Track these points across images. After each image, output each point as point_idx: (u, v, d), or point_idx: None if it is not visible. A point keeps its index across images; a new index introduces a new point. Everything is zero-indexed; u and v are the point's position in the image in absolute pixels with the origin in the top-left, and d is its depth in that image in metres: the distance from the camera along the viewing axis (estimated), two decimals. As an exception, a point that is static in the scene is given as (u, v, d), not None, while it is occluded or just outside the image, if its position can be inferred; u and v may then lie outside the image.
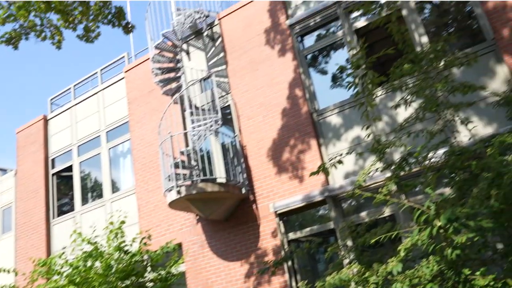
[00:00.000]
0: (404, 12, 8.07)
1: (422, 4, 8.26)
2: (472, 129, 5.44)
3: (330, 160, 4.86)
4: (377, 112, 7.89)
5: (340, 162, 4.78)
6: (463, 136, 6.35)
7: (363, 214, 7.69)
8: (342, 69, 4.23)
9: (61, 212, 12.46)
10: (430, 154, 4.87)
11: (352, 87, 4.46)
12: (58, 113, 13.27)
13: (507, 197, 3.60)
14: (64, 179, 12.97)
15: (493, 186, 3.66)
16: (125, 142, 11.52)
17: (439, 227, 3.32)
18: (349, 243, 6.43)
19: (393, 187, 4.59)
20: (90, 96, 12.65)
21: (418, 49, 7.70)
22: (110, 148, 11.76)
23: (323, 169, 4.63)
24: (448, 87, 4.80)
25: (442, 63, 4.74)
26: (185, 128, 10.05)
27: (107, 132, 11.91)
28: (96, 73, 12.87)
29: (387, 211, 7.31)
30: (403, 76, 4.79)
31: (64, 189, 13.05)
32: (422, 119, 5.18)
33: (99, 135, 12.05)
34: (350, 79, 4.45)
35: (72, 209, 12.14)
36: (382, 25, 5.33)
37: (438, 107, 4.85)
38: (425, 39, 7.78)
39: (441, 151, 4.93)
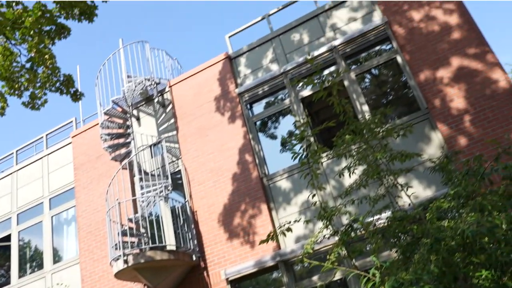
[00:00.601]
0: (346, 83, 8.62)
1: (363, 75, 8.87)
2: (412, 194, 5.73)
3: (279, 228, 4.94)
4: (323, 176, 8.17)
5: (289, 229, 4.86)
6: (405, 200, 6.66)
7: (315, 278, 7.71)
8: (285, 141, 4.42)
9: (-5, 286, 11.56)
10: (375, 218, 5.09)
11: (297, 158, 4.64)
12: (-2, 179, 12.68)
13: (446, 262, 3.79)
14: (0, 249, 12.16)
15: (432, 251, 3.84)
16: (69, 209, 11.10)
17: (385, 295, 3.42)
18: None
19: (342, 252, 4.71)
20: (34, 162, 12.24)
21: (360, 116, 8.19)
22: (53, 216, 11.26)
23: (272, 237, 4.69)
24: (387, 156, 5.11)
25: (380, 133, 5.06)
26: (134, 194, 9.88)
27: (50, 198, 11.46)
28: (41, 137, 12.55)
29: (338, 275, 7.40)
30: (346, 145, 5.06)
31: (0, 260, 12.21)
32: (366, 185, 5.43)
33: (41, 202, 11.55)
34: (295, 149, 4.63)
35: (8, 282, 11.31)
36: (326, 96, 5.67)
37: (380, 174, 5.12)
38: (366, 108, 8.29)
39: (385, 214, 5.16)
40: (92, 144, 11.00)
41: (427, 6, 8.39)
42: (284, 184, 8.62)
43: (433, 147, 7.62)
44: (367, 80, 9.23)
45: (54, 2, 8.73)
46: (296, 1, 9.88)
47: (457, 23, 8.02)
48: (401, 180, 7.12)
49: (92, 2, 8.83)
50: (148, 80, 9.98)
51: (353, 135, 5.03)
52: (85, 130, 11.31)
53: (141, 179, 9.07)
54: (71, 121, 12.15)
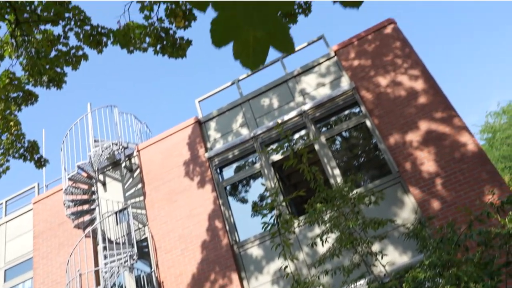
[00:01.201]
0: (316, 147, 8.57)
1: (333, 138, 8.87)
2: (387, 263, 5.51)
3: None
4: (296, 242, 7.87)
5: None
6: (380, 269, 6.40)
7: None
8: (256, 207, 4.20)
9: None
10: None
11: (268, 227, 4.42)
12: (-50, 249, 11.81)
13: None
14: None
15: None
16: (26, 281, 10.31)
17: None
18: None
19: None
20: (-9, 230, 11.52)
21: (331, 180, 8.08)
22: (8, 289, 10.44)
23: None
24: (360, 224, 4.93)
25: (352, 200, 4.92)
26: (97, 264, 9.28)
27: (5, 270, 10.66)
28: (0, 204, 11.91)
29: None
30: (318, 213, 4.88)
31: None
32: (339, 254, 5.19)
33: (-4, 274, 10.73)
34: (266, 219, 4.42)
35: None
36: (298, 159, 5.55)
37: (353, 243, 4.91)
38: (337, 172, 8.20)
39: (361, 283, 4.90)
40: (54, 211, 10.46)
41: (393, 72, 8.62)
42: (255, 251, 8.25)
43: (407, 211, 7.50)
44: (337, 143, 9.24)
45: (23, 70, 8.60)
46: (265, 67, 10.03)
47: (422, 88, 8.22)
48: (375, 247, 6.89)
49: (62, 69, 8.72)
50: (116, 144, 9.73)
51: (325, 203, 4.88)
52: (48, 196, 10.80)
53: (105, 248, 8.57)
54: (33, 187, 11.63)
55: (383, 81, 8.61)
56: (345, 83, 9.03)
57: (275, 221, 4.73)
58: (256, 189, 9.27)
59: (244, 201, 9.34)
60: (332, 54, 9.42)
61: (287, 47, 1.02)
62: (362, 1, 1.03)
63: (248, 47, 1.02)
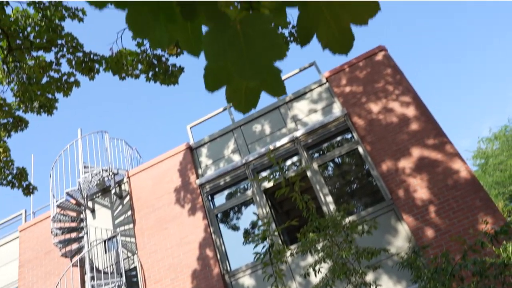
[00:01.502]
0: (309, 173, 8.52)
1: (325, 165, 8.83)
2: (381, 294, 5.40)
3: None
4: (289, 272, 7.73)
5: None
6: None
7: None
8: (248, 235, 4.11)
9: None
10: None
11: (260, 258, 4.32)
12: None
13: None
14: None
15: None
16: (11, 312, 10.00)
17: None
18: None
19: None
20: (-24, 258, 11.20)
21: (324, 208, 8.00)
22: (-9, 321, 10.09)
23: None
24: (353, 253, 4.85)
25: (345, 229, 4.85)
26: (84, 295, 9.02)
27: (-10, 301, 10.35)
28: (-14, 232, 11.65)
29: None
30: (310, 242, 4.80)
31: None
32: (332, 285, 5.09)
33: (-21, 306, 10.40)
34: (257, 249, 4.32)
35: None
36: (290, 187, 5.49)
37: (346, 273, 4.82)
38: (329, 199, 8.13)
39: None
40: (41, 239, 10.22)
41: (385, 99, 8.66)
42: (247, 281, 8.08)
43: (400, 239, 7.41)
44: (330, 169, 9.20)
45: (14, 96, 8.54)
46: (258, 93, 10.03)
47: (414, 115, 8.25)
48: (369, 277, 6.78)
49: (53, 95, 8.66)
50: (106, 170, 9.60)
51: (317, 232, 4.80)
52: (35, 224, 10.57)
53: (92, 278, 8.34)
54: (20, 214, 11.39)
55: (374, 107, 8.65)
56: (337, 109, 9.05)
57: (268, 251, 4.63)
58: (247, 216, 9.15)
59: (235, 228, 9.20)
60: (324, 80, 9.47)
61: (279, 92, 0.99)
62: (351, 48, 1.01)
63: (241, 93, 0.98)
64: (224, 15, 0.81)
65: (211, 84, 0.94)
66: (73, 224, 9.35)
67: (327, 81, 9.45)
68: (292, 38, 8.20)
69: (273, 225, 8.08)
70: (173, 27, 0.87)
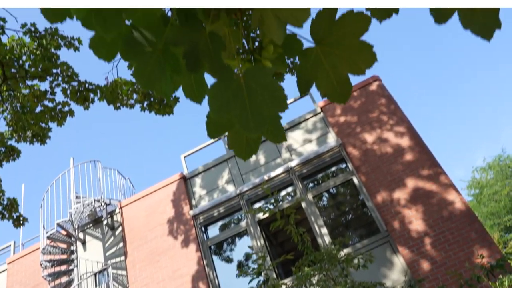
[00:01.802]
0: (304, 205, 8.45)
1: (320, 195, 8.78)
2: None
3: None
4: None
5: None
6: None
7: None
8: (241, 272, 4.02)
9: None
10: None
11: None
12: None
13: None
14: None
15: None
16: None
17: None
18: None
19: None
20: (-39, 292, 10.88)
21: (319, 240, 7.90)
22: None
23: None
24: (349, 287, 4.75)
25: (340, 262, 4.78)
26: (72, 330, 8.75)
27: (-26, 337, 9.99)
28: (-27, 263, 11.34)
29: None
30: (305, 277, 4.71)
31: None
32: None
33: None
34: (252, 284, 4.23)
35: None
36: (285, 219, 5.42)
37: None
38: (324, 230, 8.04)
39: None
40: (29, 272, 9.96)
41: (379, 129, 8.69)
42: (241, 315, 7.89)
43: (396, 272, 7.30)
44: (325, 200, 9.13)
45: (7, 125, 8.49)
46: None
47: (408, 145, 8.27)
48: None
49: (47, 125, 8.61)
50: (98, 201, 9.47)
51: (313, 266, 4.72)
52: (24, 256, 10.32)
53: (81, 312, 8.10)
54: (9, 245, 11.15)
55: (369, 137, 8.67)
56: (332, 139, 9.06)
57: (262, 286, 4.54)
58: (241, 247, 9.01)
59: (229, 260, 9.04)
60: (319, 110, 9.52)
61: (279, 139, 0.97)
62: (348, 97, 1.00)
63: (242, 140, 0.96)
64: (227, 68, 0.80)
65: (213, 131, 0.93)
66: (63, 256, 9.15)
67: (321, 110, 9.50)
68: (287, 69, 8.27)
69: (268, 259, 7.95)
70: (177, 77, 0.86)
